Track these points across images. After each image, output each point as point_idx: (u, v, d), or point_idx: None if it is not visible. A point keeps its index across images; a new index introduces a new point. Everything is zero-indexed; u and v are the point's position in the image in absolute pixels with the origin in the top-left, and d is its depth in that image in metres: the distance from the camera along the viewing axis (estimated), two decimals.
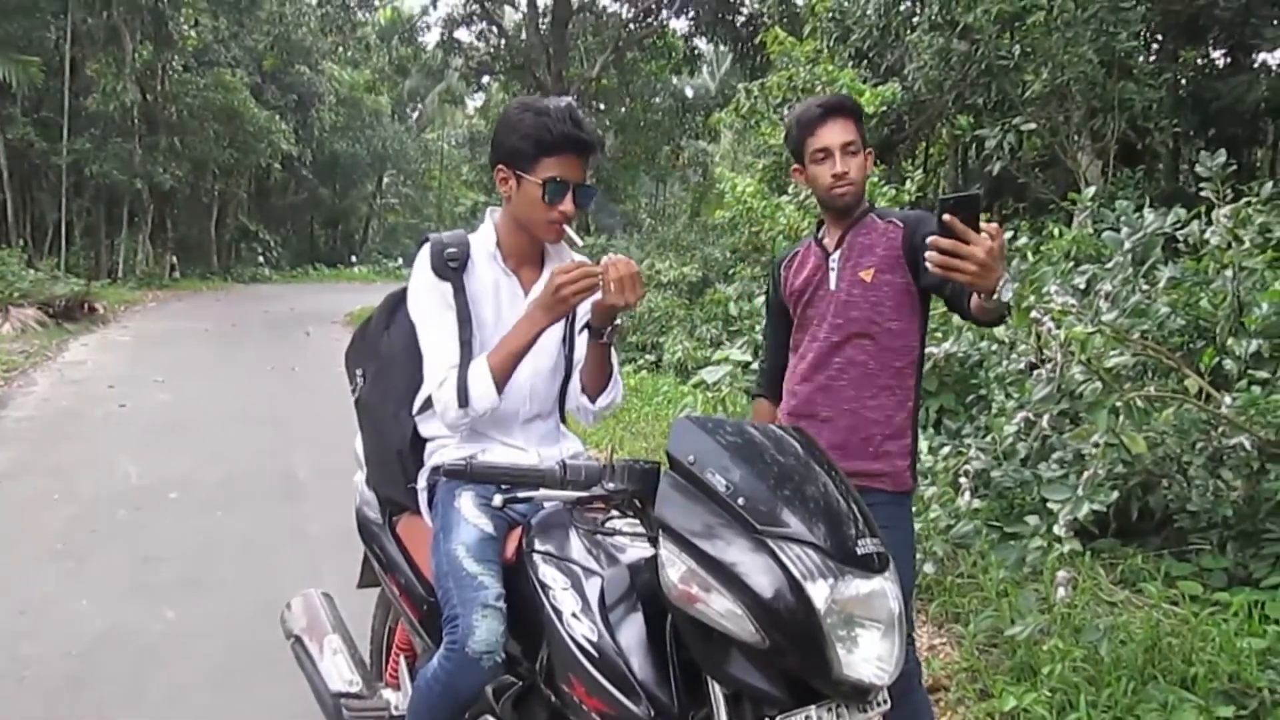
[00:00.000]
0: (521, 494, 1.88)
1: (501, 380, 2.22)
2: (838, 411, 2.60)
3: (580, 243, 2.31)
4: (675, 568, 1.70)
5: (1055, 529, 3.66)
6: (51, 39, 22.98)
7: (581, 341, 2.44)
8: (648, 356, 12.33)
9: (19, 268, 16.97)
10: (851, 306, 2.58)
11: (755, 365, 5.93)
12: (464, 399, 2.20)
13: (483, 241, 2.36)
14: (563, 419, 2.54)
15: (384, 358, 2.54)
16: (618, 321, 2.30)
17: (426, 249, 2.32)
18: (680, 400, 7.95)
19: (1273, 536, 4.09)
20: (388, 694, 2.65)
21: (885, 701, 1.75)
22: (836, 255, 2.63)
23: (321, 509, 5.63)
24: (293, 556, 5.06)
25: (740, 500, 1.69)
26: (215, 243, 31.39)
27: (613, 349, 2.39)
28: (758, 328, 7.86)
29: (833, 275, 2.63)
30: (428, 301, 2.30)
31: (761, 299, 8.51)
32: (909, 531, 2.71)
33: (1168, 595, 3.89)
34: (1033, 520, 3.94)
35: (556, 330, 2.39)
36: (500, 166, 2.26)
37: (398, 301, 2.53)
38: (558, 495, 1.89)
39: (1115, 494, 3.65)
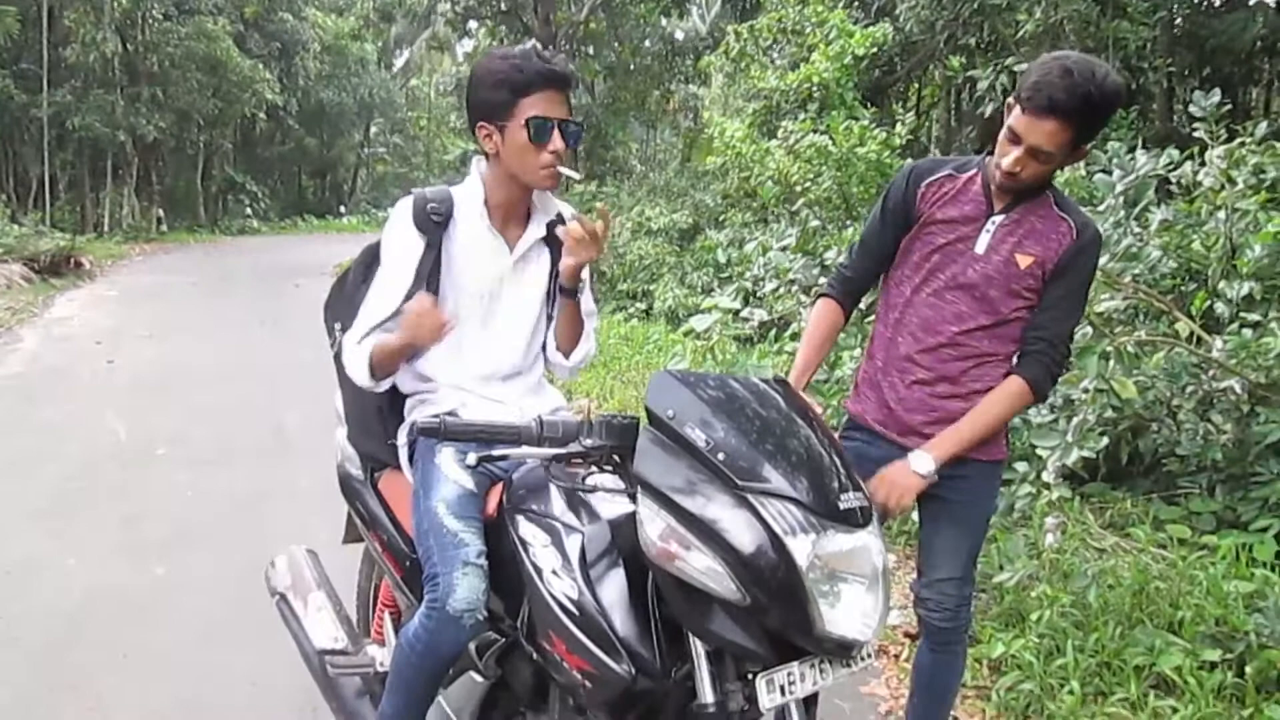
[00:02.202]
0: (496, 451, 1.85)
1: (379, 373, 2.20)
2: (938, 376, 2.42)
3: (579, 176, 2.24)
4: (654, 525, 1.67)
5: (1044, 475, 3.66)
6: None
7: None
8: (638, 304, 12.27)
9: (3, 223, 16.77)
10: (992, 284, 2.35)
11: (744, 313, 5.88)
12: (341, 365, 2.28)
13: (469, 197, 2.30)
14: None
15: None
16: (583, 278, 2.30)
17: (409, 200, 2.28)
18: (670, 349, 7.91)
19: (1261, 480, 4.10)
20: (373, 650, 2.64)
21: (869, 656, 1.74)
22: (999, 219, 2.36)
23: (311, 463, 5.58)
24: (282, 511, 5.04)
25: (720, 455, 1.66)
26: (202, 195, 31.02)
27: (584, 306, 2.38)
28: (748, 274, 7.80)
29: (985, 237, 2.36)
30: (395, 251, 2.26)
31: (751, 245, 8.43)
32: (993, 501, 2.64)
33: (1156, 539, 3.90)
34: (1021, 467, 3.94)
35: (539, 286, 2.38)
36: (481, 124, 2.20)
37: (375, 254, 2.47)
38: (534, 452, 1.85)
39: (1105, 440, 3.65)
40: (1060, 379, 3.09)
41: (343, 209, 40.01)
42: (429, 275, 2.24)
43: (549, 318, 2.42)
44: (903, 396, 2.46)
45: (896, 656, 3.64)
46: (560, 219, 2.37)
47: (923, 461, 2.32)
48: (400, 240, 2.25)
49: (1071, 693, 3.07)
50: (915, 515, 2.65)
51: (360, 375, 2.21)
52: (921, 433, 2.43)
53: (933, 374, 2.42)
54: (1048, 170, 2.29)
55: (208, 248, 24.69)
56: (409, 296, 2.20)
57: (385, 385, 2.27)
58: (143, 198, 27.24)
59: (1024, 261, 2.32)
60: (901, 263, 2.50)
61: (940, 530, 2.55)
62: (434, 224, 2.24)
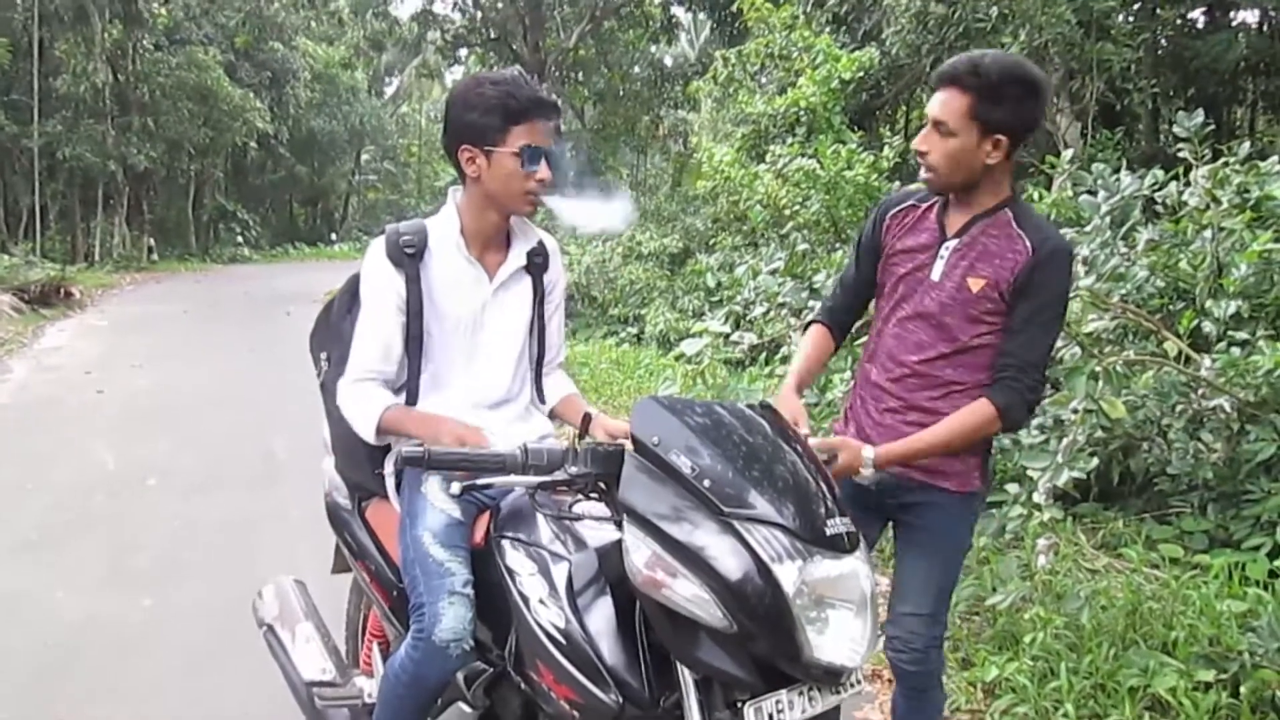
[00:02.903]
0: (480, 481, 1.84)
1: (386, 434, 2.22)
2: (907, 404, 2.37)
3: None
4: (640, 552, 1.66)
5: (1035, 496, 3.65)
6: (19, 20, 22.58)
7: (553, 328, 2.47)
8: (629, 329, 12.27)
9: None
10: (947, 311, 2.29)
11: (734, 336, 5.89)
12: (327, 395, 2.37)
13: (445, 228, 2.30)
14: (540, 397, 2.49)
15: (347, 341, 2.47)
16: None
17: (381, 237, 2.29)
18: (661, 373, 7.91)
19: (1253, 498, 4.10)
20: (361, 681, 2.62)
21: (858, 683, 1.72)
22: (952, 244, 2.30)
23: (301, 492, 5.55)
24: (272, 540, 5.01)
25: (706, 482, 1.66)
26: (193, 223, 31.02)
27: None
28: (738, 297, 7.82)
29: (939, 265, 2.31)
30: (374, 291, 2.27)
31: (741, 268, 8.45)
32: (967, 535, 2.53)
33: (1148, 559, 3.89)
34: (1013, 488, 3.93)
35: (522, 314, 2.37)
36: (465, 147, 2.20)
37: (359, 283, 2.48)
38: (520, 481, 1.84)
39: (1095, 461, 3.65)
40: (1048, 401, 3.00)
41: (334, 236, 40.04)
42: (413, 309, 2.25)
43: (537, 344, 2.42)
44: (876, 423, 2.42)
45: (890, 681, 3.61)
46: (541, 246, 2.39)
47: (866, 477, 2.26)
48: (377, 278, 2.25)
49: (1066, 715, 3.05)
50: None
51: (364, 428, 2.21)
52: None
53: (902, 403, 2.38)
54: (956, 151, 2.21)
55: (199, 276, 24.66)
56: (411, 332, 2.25)
57: (369, 439, 2.25)
58: (133, 227, 27.23)
59: (976, 285, 2.26)
60: (878, 294, 2.51)
61: (908, 562, 2.49)
62: (408, 256, 2.24)
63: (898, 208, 2.46)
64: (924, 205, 2.41)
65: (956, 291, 2.28)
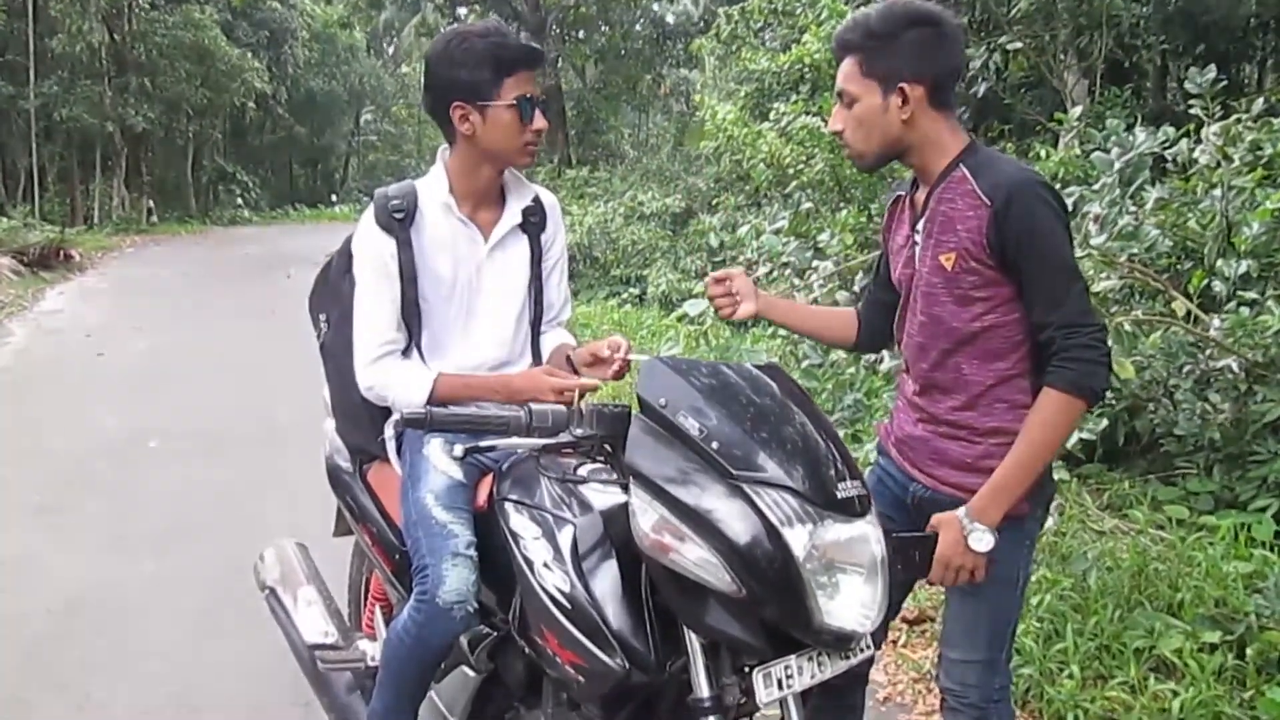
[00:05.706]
0: (484, 443, 1.81)
1: (437, 403, 2.15)
2: (933, 418, 2.09)
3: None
4: (647, 516, 1.63)
5: None
6: None
7: (552, 285, 2.42)
8: (631, 290, 12.21)
9: None
10: (933, 301, 2.00)
11: None
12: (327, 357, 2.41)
13: (434, 189, 2.26)
14: (536, 360, 2.45)
15: (346, 302, 2.43)
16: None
17: (371, 204, 2.25)
18: (664, 334, 7.85)
19: (1259, 459, 4.07)
20: (364, 644, 2.60)
21: (868, 648, 1.70)
22: (922, 224, 2.03)
23: (302, 455, 5.50)
24: (274, 504, 5.00)
25: (714, 444, 1.62)
26: (193, 185, 30.88)
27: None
28: (741, 258, 7.74)
29: (918, 251, 2.04)
30: (367, 260, 2.22)
31: (744, 228, 8.35)
32: (1015, 566, 2.08)
33: (1154, 520, 3.87)
34: None
35: (521, 274, 2.33)
36: (457, 104, 2.15)
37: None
38: (523, 443, 1.81)
39: (1104, 422, 3.61)
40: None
41: (334, 198, 39.86)
42: (407, 273, 2.20)
43: (534, 304, 2.38)
44: (910, 434, 2.16)
45: (895, 642, 3.61)
46: (537, 203, 2.34)
47: (981, 539, 1.91)
48: (372, 246, 2.21)
49: (1071, 677, 3.04)
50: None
51: (410, 400, 2.15)
52: (928, 472, 2.11)
53: (929, 416, 2.11)
54: (862, 115, 2.00)
55: (199, 238, 24.58)
56: (407, 296, 2.20)
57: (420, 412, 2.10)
58: (133, 189, 27.06)
59: (948, 261, 1.96)
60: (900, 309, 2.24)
61: (953, 599, 2.15)
62: (397, 221, 2.19)
63: (892, 199, 2.23)
64: (909, 194, 2.15)
65: (931, 275, 2.00)
